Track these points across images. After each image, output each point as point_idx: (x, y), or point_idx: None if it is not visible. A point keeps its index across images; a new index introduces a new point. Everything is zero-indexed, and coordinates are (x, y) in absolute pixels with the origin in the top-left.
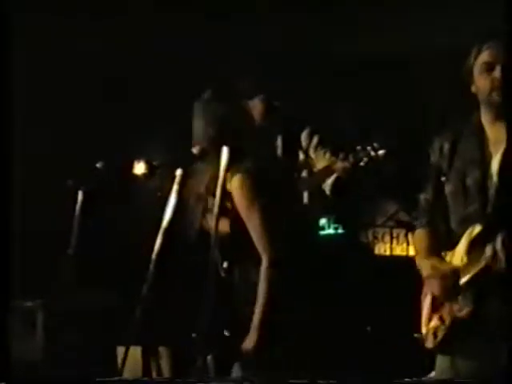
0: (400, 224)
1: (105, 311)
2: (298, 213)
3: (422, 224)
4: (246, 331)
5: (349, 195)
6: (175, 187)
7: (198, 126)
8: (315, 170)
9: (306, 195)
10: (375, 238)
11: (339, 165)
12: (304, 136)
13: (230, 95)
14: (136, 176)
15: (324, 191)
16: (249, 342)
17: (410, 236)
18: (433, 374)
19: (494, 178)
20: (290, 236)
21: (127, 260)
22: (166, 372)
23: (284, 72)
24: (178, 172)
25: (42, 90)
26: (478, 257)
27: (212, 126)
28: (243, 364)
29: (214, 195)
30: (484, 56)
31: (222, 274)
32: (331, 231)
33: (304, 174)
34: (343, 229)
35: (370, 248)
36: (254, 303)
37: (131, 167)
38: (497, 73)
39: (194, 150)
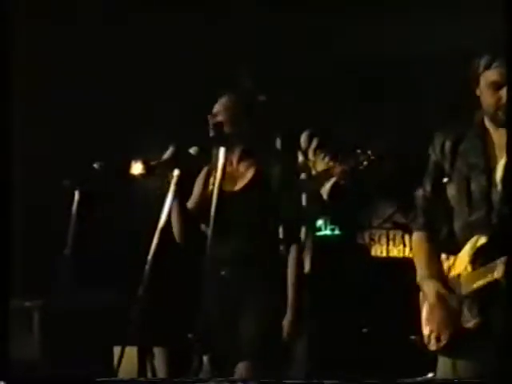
0: (396, 226)
1: (103, 311)
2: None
3: (418, 226)
4: (246, 331)
5: (346, 198)
6: (172, 187)
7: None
8: (314, 173)
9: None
10: (372, 239)
11: (338, 169)
12: (303, 138)
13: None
14: (133, 176)
15: (321, 195)
16: (287, 320)
17: (406, 238)
18: (430, 375)
19: (499, 185)
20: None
21: (124, 260)
22: (162, 372)
23: (284, 72)
24: (176, 172)
25: (41, 90)
26: (482, 268)
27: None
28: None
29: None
30: (493, 75)
31: (222, 273)
32: (328, 232)
33: (303, 176)
34: (340, 230)
35: (366, 250)
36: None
37: (128, 167)
38: (503, 92)
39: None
